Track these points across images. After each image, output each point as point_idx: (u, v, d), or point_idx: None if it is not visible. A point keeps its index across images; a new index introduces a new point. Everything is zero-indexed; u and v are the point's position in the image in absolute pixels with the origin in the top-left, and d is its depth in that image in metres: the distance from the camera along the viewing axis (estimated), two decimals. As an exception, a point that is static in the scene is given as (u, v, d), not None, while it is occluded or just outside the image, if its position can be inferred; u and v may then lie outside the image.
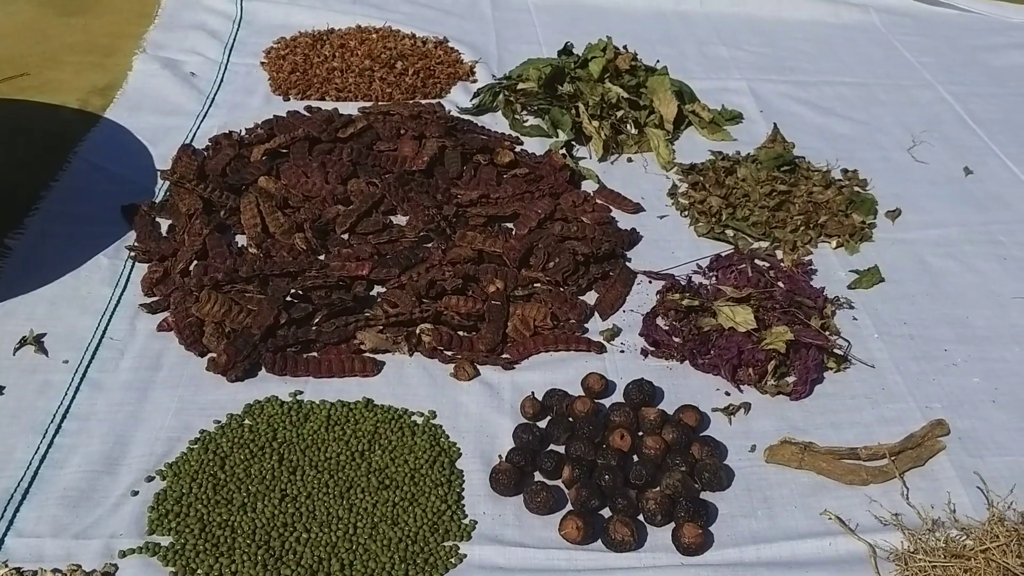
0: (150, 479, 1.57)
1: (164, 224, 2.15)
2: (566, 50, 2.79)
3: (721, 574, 1.43)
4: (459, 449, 1.65)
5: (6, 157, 2.33)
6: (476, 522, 1.53)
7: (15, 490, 1.52)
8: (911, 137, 2.65)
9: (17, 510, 1.49)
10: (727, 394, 1.78)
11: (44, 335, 1.82)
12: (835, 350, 1.84)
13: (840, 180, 2.40)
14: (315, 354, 1.83)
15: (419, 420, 1.71)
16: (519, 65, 2.79)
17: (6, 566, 1.40)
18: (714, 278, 2.05)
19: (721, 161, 2.44)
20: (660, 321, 1.94)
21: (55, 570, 1.39)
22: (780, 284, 2.00)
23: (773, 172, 2.36)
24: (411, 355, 1.85)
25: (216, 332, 1.83)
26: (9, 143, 2.39)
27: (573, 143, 2.51)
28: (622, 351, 1.88)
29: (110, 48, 2.96)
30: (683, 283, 2.01)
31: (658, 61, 2.80)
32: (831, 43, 3.25)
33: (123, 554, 1.43)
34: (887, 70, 3.08)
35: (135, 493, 1.54)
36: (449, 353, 1.85)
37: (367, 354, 1.84)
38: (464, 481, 1.60)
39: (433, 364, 1.83)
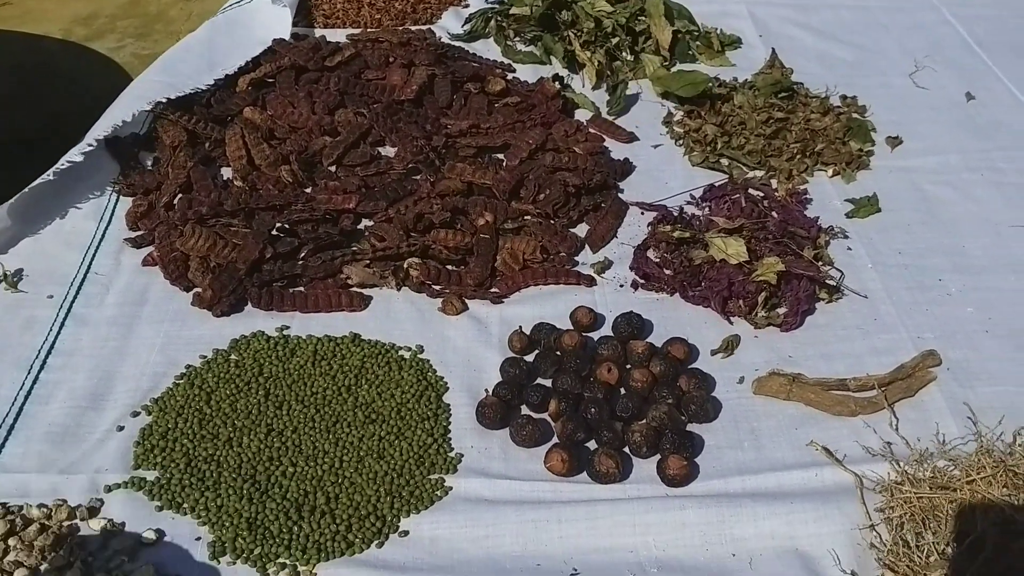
0: (136, 414, 1.56)
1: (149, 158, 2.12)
2: (560, -27, 2.70)
3: (705, 505, 1.43)
4: (446, 383, 1.65)
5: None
6: (462, 455, 1.53)
7: (0, 426, 1.52)
8: (913, 62, 2.58)
9: (2, 446, 1.50)
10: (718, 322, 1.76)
11: (21, 271, 1.80)
12: (827, 281, 1.82)
13: (839, 107, 2.35)
14: (301, 289, 1.82)
15: (406, 355, 1.69)
16: (512, -11, 2.70)
17: (-8, 501, 1.41)
18: (707, 209, 2.02)
19: (718, 88, 2.38)
20: (651, 253, 1.91)
21: (41, 505, 1.40)
22: (774, 214, 1.96)
23: (770, 99, 2.30)
24: (399, 290, 1.83)
25: (201, 267, 1.81)
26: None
27: (570, 74, 2.44)
28: (620, 286, 1.85)
29: (92, -24, 2.89)
30: (675, 214, 1.98)
31: (654, -18, 2.71)
32: (833, -36, 3.14)
33: (109, 489, 1.44)
34: (889, -8, 2.98)
35: (121, 428, 1.54)
36: (437, 287, 1.83)
37: (354, 289, 1.82)
38: (450, 415, 1.59)
39: (421, 299, 1.82)
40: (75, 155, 1.99)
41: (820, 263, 1.85)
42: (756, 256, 1.83)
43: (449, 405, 1.61)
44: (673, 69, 2.44)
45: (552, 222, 1.97)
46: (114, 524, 1.39)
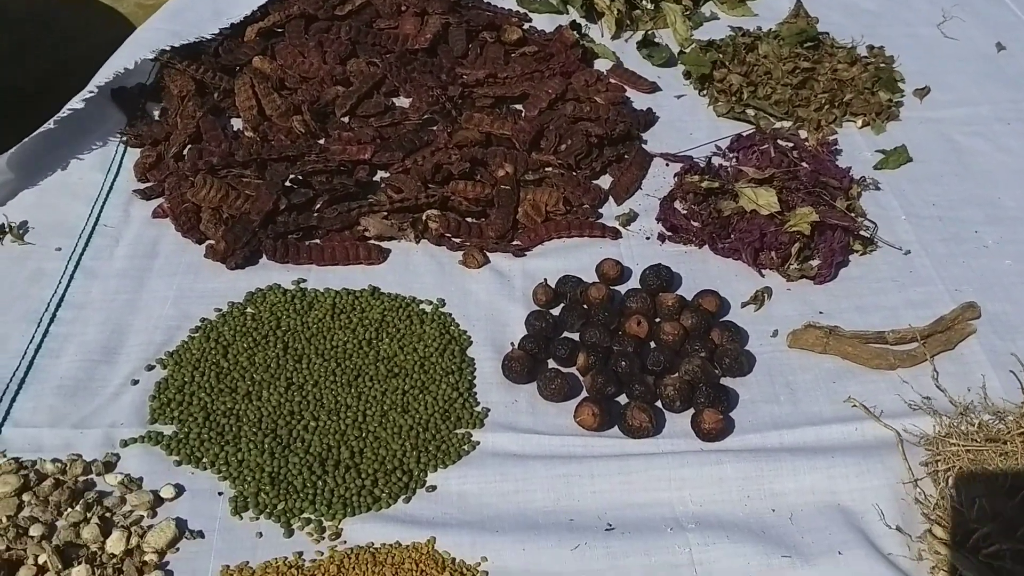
0: (150, 368, 1.51)
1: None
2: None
3: (743, 459, 1.38)
4: (469, 337, 1.59)
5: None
6: (488, 410, 1.48)
7: (11, 380, 1.47)
8: (941, 12, 2.51)
9: (13, 400, 1.45)
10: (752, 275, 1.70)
11: (26, 223, 1.74)
12: (861, 232, 1.76)
13: (866, 57, 2.28)
14: (317, 241, 1.76)
15: (427, 308, 1.64)
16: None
17: (4, 456, 1.35)
18: (735, 159, 1.95)
19: (742, 37, 2.31)
20: (678, 205, 1.85)
21: (55, 460, 1.35)
22: (804, 164, 1.90)
23: (796, 49, 2.23)
24: (418, 242, 1.77)
25: (213, 218, 1.75)
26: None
27: (588, 23, 2.36)
28: (647, 238, 1.79)
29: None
30: (702, 165, 1.92)
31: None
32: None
33: (125, 443, 1.39)
34: (915, -60, 2.89)
35: (135, 382, 1.49)
36: (457, 240, 1.77)
37: (372, 241, 1.76)
38: (475, 369, 1.54)
39: (441, 251, 1.76)
40: (76, 103, 1.92)
41: (853, 214, 1.79)
42: (787, 207, 1.77)
43: (473, 359, 1.56)
44: (691, 31, 2.36)
45: (574, 173, 1.91)
46: (131, 479, 1.34)
